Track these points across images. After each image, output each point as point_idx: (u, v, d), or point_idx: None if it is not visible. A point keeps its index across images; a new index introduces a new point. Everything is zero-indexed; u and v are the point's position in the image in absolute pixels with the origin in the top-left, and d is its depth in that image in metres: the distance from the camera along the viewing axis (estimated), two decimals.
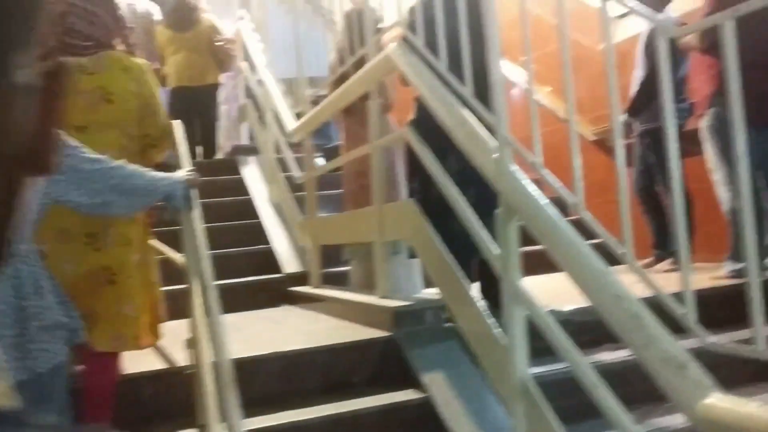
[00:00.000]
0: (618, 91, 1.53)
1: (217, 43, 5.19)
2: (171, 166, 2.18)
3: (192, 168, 1.96)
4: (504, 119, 1.80)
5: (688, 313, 1.23)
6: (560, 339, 1.58)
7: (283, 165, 4.29)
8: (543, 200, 1.65)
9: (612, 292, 1.38)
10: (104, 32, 2.06)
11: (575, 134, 1.59)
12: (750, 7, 1.11)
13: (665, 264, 3.54)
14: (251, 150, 5.13)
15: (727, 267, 2.92)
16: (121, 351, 2.01)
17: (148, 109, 2.13)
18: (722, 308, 2.47)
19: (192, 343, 1.85)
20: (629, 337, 1.33)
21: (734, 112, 1.13)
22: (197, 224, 1.74)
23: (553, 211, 1.61)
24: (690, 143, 3.46)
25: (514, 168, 1.77)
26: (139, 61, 2.17)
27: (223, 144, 5.87)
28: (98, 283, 1.92)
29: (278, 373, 2.20)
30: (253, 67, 4.89)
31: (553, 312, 2.38)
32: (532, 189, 1.69)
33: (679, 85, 3.59)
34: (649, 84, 3.47)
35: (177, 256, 2.24)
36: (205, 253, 1.65)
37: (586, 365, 1.51)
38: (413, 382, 2.16)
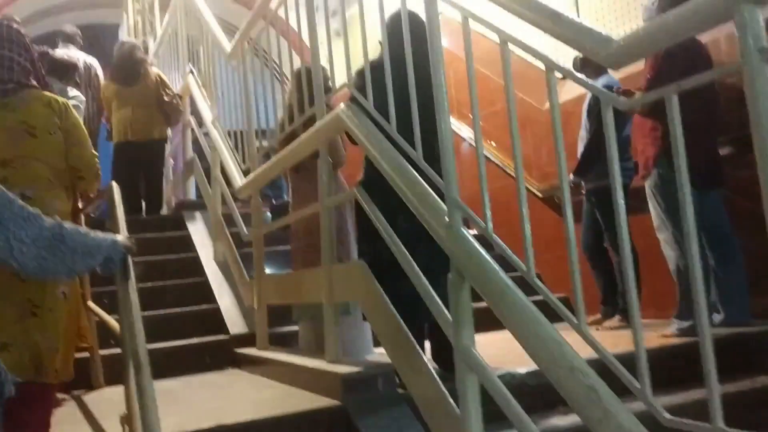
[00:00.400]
0: (565, 149, 1.54)
1: (165, 97, 5.12)
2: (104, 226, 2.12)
3: (128, 236, 1.89)
4: (454, 183, 1.79)
5: (645, 389, 1.21)
6: (514, 409, 1.54)
7: (230, 221, 4.20)
8: (495, 266, 1.62)
9: (567, 365, 1.35)
10: (24, 74, 2.18)
11: (524, 202, 1.57)
12: (693, 83, 1.13)
13: (614, 321, 3.57)
14: (198, 205, 5.02)
15: (674, 325, 2.95)
16: (41, 381, 1.93)
17: (72, 139, 2.21)
18: (672, 368, 2.47)
19: (126, 420, 1.74)
20: (585, 411, 1.29)
21: (683, 182, 1.13)
22: (133, 296, 1.65)
23: (504, 278, 1.58)
24: (636, 201, 3.54)
25: (465, 232, 1.75)
26: (60, 98, 2.26)
27: (169, 199, 5.75)
28: (23, 314, 1.92)
29: None
30: (200, 122, 4.82)
31: (507, 375, 2.36)
32: (484, 254, 1.67)
33: (624, 144, 3.69)
34: (594, 145, 3.56)
35: (114, 324, 2.13)
36: (141, 328, 1.56)
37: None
38: None
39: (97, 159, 2.37)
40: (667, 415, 1.17)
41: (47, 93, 2.23)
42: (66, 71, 4.46)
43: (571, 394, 1.34)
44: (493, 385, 1.61)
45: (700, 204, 3.00)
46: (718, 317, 3.01)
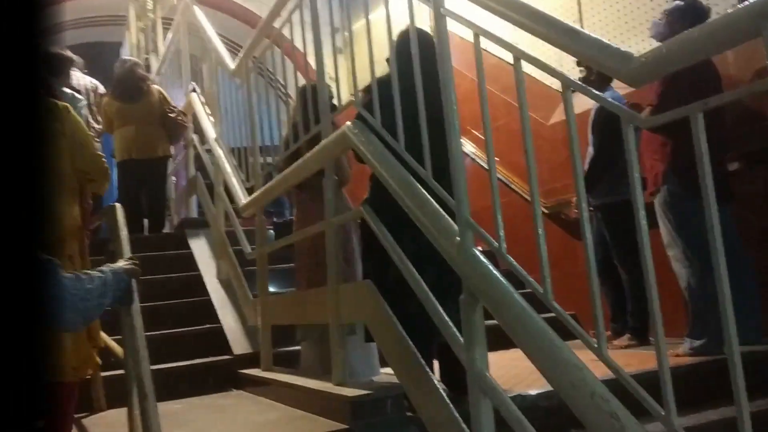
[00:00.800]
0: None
1: (169, 114, 5.10)
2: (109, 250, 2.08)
3: (131, 256, 1.84)
4: (465, 202, 1.75)
5: (671, 416, 1.16)
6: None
7: (233, 239, 4.16)
8: (510, 288, 1.58)
9: (588, 391, 1.31)
10: None
11: (540, 218, 1.53)
12: (719, 101, 1.09)
13: (623, 339, 3.51)
14: (201, 223, 4.98)
15: (687, 344, 2.90)
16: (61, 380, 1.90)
17: (76, 142, 2.16)
18: (686, 389, 2.42)
19: None
20: None
21: (710, 204, 1.10)
22: (137, 320, 1.60)
23: (520, 300, 1.54)
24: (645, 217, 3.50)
25: (477, 252, 1.71)
26: (60, 102, 2.20)
27: (171, 217, 5.71)
28: None
29: None
30: (203, 139, 4.80)
31: (518, 397, 2.31)
32: (497, 275, 1.63)
33: None
34: (600, 161, 3.53)
35: (118, 349, 2.08)
36: (146, 355, 1.51)
37: None
38: None
39: (103, 158, 2.32)
40: None
41: (48, 99, 2.16)
42: (63, 67, 4.31)
43: (592, 421, 1.29)
44: (508, 410, 1.56)
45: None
46: None
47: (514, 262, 1.58)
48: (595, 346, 1.34)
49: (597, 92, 1.45)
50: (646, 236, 1.26)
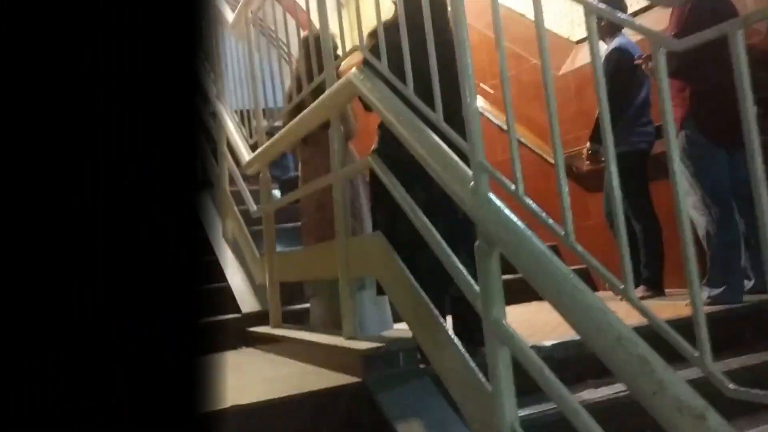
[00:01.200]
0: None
1: None
2: None
3: None
4: (479, 144, 1.67)
5: (705, 356, 1.10)
6: (550, 382, 1.44)
7: (237, 198, 4.09)
8: (528, 232, 1.51)
9: (613, 334, 1.24)
10: None
11: (561, 158, 1.45)
12: (760, 16, 1.00)
13: (638, 291, 3.46)
14: (204, 183, 4.90)
15: (705, 293, 2.84)
16: None
17: None
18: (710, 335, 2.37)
19: None
20: (636, 383, 1.19)
21: (750, 130, 1.01)
22: None
23: (540, 244, 1.47)
24: (657, 168, 3.41)
25: (493, 196, 1.64)
26: None
27: None
28: None
29: (237, 429, 1.99)
30: (205, 99, 4.70)
31: (534, 348, 2.26)
32: (514, 219, 1.56)
33: (643, 108, 3.56)
34: (610, 108, 3.41)
35: None
36: None
37: (580, 409, 1.36)
38: None
39: None
40: (732, 385, 1.07)
41: None
42: None
43: (619, 366, 1.23)
44: (527, 358, 1.51)
45: (729, 166, 2.89)
46: (748, 284, 2.90)
47: (533, 204, 1.51)
48: (621, 287, 1.28)
49: (623, 16, 1.35)
50: (681, 179, 1.18)
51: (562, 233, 1.41)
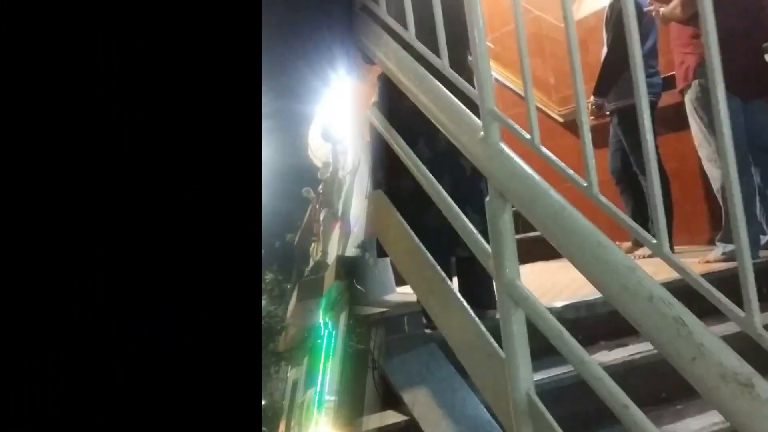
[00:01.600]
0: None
1: None
2: None
3: None
4: (489, 90, 1.53)
5: (753, 317, 0.98)
6: (568, 343, 1.33)
7: None
8: (543, 183, 1.38)
9: (645, 293, 1.12)
10: None
11: (584, 108, 1.32)
12: None
13: (646, 248, 3.35)
14: None
15: (719, 249, 2.73)
16: None
17: None
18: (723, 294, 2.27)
19: None
20: (672, 347, 1.07)
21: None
22: None
23: (557, 196, 1.34)
24: (664, 121, 3.27)
25: (505, 146, 1.50)
26: None
27: None
28: None
29: None
30: None
31: None
32: (529, 170, 1.43)
33: (648, 58, 3.39)
34: (614, 58, 3.25)
35: None
36: None
37: (603, 374, 1.25)
38: (392, 402, 1.88)
39: None
40: None
41: None
42: None
43: (652, 328, 1.11)
44: (544, 321, 1.39)
45: (744, 115, 2.75)
46: (764, 238, 2.78)
47: (551, 154, 1.37)
48: (654, 242, 1.15)
49: None
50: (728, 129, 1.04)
51: (585, 184, 1.28)
